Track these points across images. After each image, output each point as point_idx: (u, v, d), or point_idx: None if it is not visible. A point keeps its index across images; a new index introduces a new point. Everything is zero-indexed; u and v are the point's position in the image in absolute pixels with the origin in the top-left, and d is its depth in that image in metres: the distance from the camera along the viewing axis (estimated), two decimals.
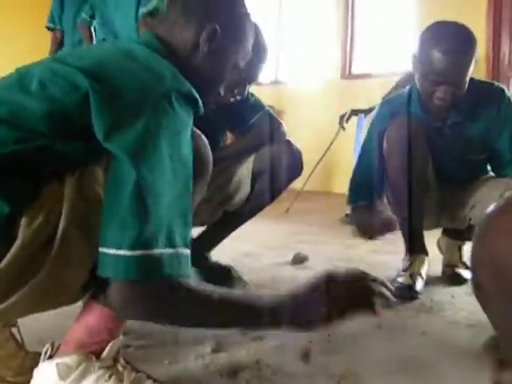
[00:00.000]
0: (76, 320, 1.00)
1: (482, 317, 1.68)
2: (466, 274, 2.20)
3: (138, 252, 0.86)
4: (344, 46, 5.65)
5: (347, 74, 5.65)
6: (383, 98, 3.93)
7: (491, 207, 0.75)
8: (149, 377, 1.02)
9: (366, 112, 3.90)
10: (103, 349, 0.97)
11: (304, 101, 5.59)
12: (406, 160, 1.91)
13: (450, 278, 2.19)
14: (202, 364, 1.28)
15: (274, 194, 1.96)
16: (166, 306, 0.91)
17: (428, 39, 1.83)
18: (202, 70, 1.12)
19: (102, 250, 0.88)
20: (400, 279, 2.01)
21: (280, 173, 1.89)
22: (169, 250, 0.88)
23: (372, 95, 4.25)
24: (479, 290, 0.72)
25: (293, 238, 3.03)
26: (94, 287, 0.93)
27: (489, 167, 2.11)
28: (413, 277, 2.00)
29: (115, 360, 0.98)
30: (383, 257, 2.57)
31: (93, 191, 0.91)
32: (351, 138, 4.19)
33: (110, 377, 0.96)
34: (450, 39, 1.78)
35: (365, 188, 2.09)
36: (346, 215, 3.61)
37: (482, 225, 0.75)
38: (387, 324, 1.65)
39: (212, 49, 1.13)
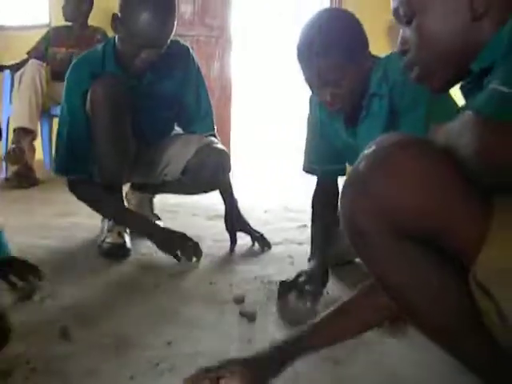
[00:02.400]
0: None
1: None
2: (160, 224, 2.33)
3: None
4: None
5: None
6: (28, 52, 3.71)
7: (364, 155, 0.78)
8: None
9: (13, 68, 3.60)
10: None
11: None
12: (112, 122, 1.89)
13: None
14: None
15: None
16: None
17: (132, 1, 1.81)
18: None
19: None
20: (109, 239, 2.01)
21: None
22: None
23: (11, 50, 3.96)
24: (360, 237, 0.80)
25: None
26: None
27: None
28: (121, 235, 2.04)
29: None
30: (69, 219, 2.51)
31: None
32: None
33: None
34: (155, 2, 1.81)
35: (80, 157, 1.98)
36: (6, 179, 3.35)
37: (358, 172, 0.78)
38: (135, 286, 1.68)
39: None
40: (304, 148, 1.86)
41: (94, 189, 1.99)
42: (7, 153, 3.24)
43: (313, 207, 1.81)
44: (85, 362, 1.17)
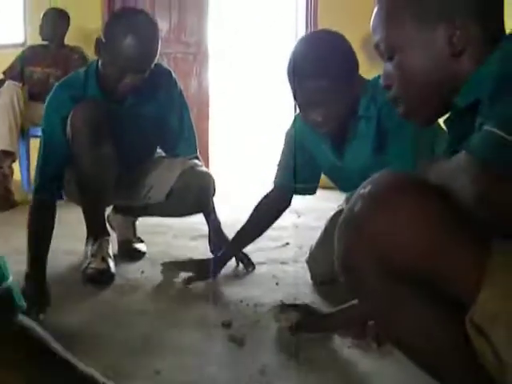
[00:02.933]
0: None
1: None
2: (143, 248, 2.32)
3: None
4: None
5: None
6: (4, 72, 3.68)
7: (359, 195, 0.78)
8: None
9: None
10: None
11: None
12: (93, 146, 1.88)
13: (129, 253, 2.28)
14: None
15: None
16: None
17: (117, 27, 1.82)
18: None
19: None
20: (93, 264, 1.99)
21: None
22: None
23: None
24: (354, 276, 0.81)
25: None
26: None
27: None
28: (105, 260, 2.02)
29: None
30: None
31: None
32: None
33: None
34: (140, 28, 1.82)
35: (51, 180, 1.97)
36: None
37: (353, 213, 0.78)
38: (120, 313, 1.66)
39: None
40: (279, 162, 1.90)
41: (43, 216, 1.99)
42: None
43: (256, 209, 1.96)
44: None
